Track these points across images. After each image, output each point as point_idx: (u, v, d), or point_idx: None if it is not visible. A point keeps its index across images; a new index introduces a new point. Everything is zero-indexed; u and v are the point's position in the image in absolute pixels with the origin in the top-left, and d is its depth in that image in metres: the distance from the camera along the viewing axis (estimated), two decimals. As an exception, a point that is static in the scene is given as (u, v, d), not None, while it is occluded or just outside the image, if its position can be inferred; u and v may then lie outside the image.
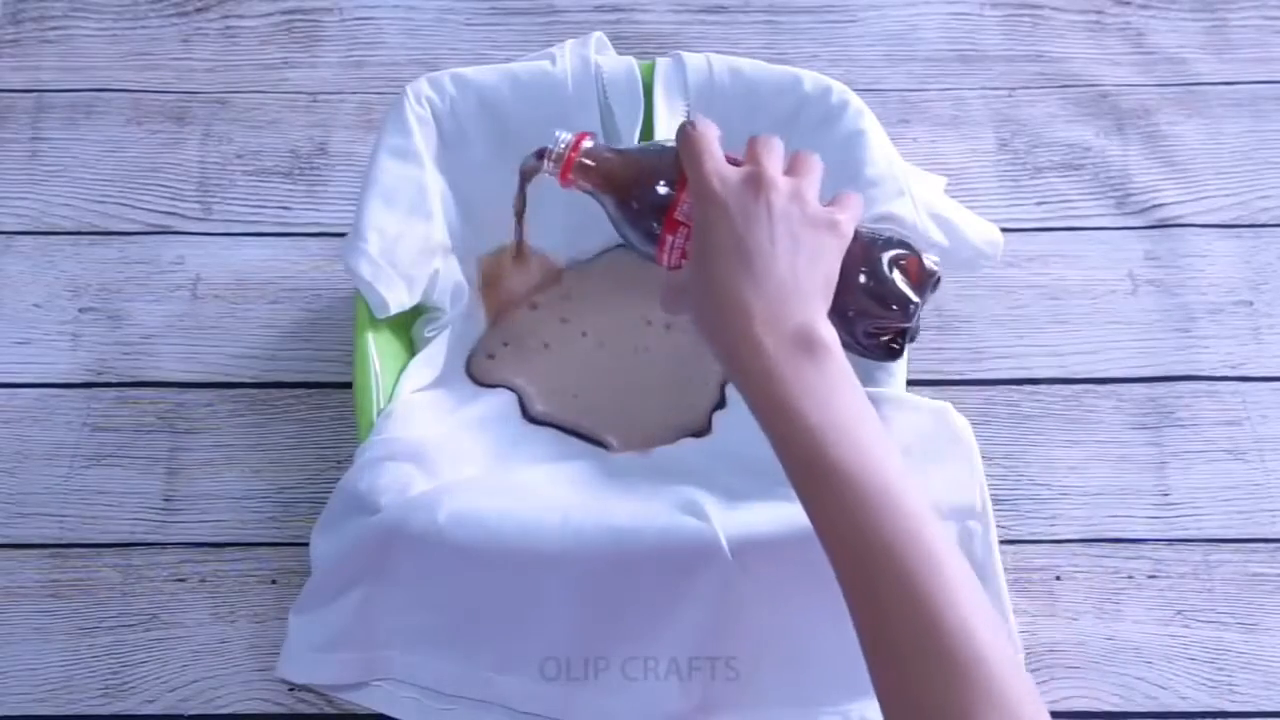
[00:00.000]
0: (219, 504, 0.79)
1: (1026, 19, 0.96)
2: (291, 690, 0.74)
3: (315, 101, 0.93)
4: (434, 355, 0.76)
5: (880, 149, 0.76)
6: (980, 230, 0.79)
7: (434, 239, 0.75)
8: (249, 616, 0.77)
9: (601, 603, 0.68)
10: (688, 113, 0.79)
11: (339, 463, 0.80)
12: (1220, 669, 0.75)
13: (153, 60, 0.95)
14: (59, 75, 0.94)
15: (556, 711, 0.70)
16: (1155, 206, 0.89)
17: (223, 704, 0.74)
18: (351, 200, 0.76)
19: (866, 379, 0.70)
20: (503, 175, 0.74)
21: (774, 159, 0.63)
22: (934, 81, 0.94)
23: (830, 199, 0.63)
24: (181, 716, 0.74)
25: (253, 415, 0.82)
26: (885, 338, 0.65)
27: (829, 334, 0.59)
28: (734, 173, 0.62)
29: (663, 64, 0.79)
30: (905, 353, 0.66)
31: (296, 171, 0.90)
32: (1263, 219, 0.88)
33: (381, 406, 0.72)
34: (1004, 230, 0.81)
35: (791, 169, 0.63)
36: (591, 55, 0.79)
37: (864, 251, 0.64)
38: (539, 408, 0.78)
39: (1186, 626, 0.76)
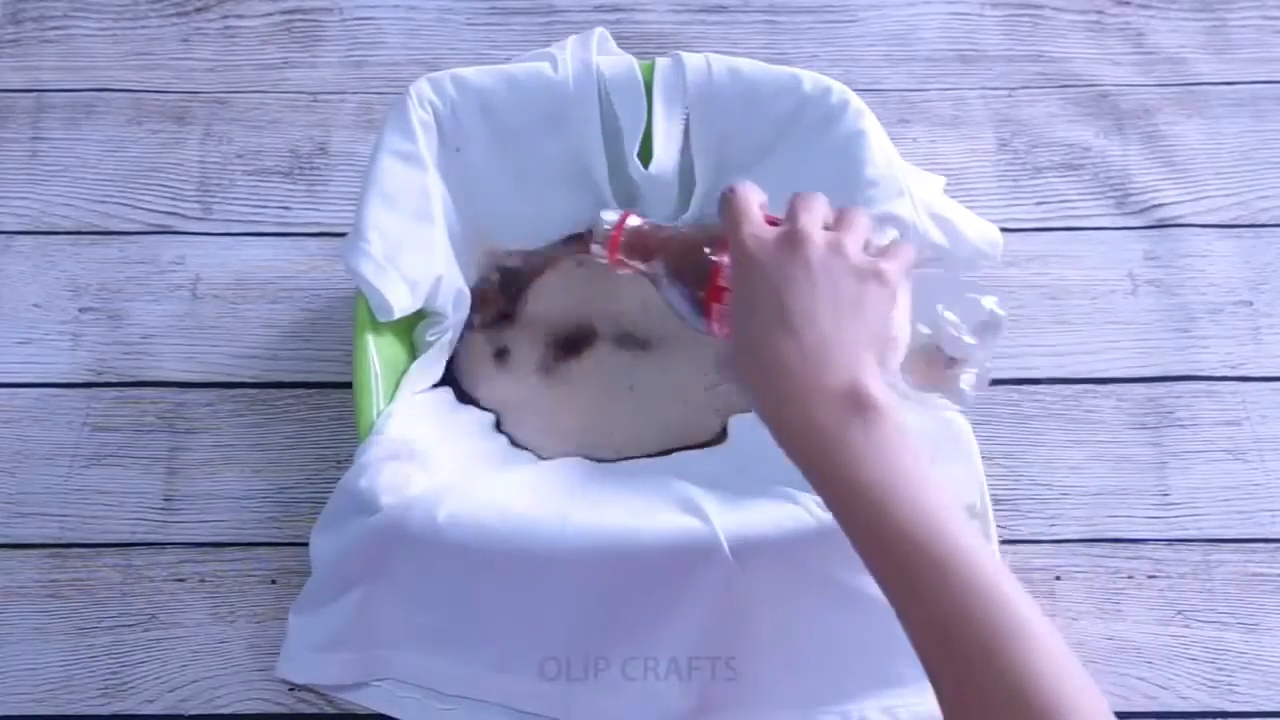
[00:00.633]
0: (219, 504, 0.79)
1: (1026, 19, 0.96)
2: (291, 690, 0.74)
3: (315, 101, 0.93)
4: (435, 359, 0.76)
5: (880, 149, 0.76)
6: (980, 230, 0.79)
7: (437, 244, 0.75)
8: (249, 616, 0.76)
9: (601, 602, 0.68)
10: (685, 116, 0.78)
11: (339, 463, 0.80)
12: (1220, 669, 0.75)
13: (153, 60, 0.95)
14: (59, 75, 0.94)
15: (556, 711, 0.70)
16: (1155, 206, 0.89)
17: (222, 704, 0.74)
18: (352, 200, 0.76)
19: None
20: (503, 177, 0.74)
21: (812, 215, 0.60)
22: (934, 81, 0.94)
23: (879, 249, 0.61)
24: (181, 716, 0.74)
25: (253, 415, 0.82)
26: (949, 381, 0.63)
27: (878, 391, 0.56)
28: (770, 232, 0.60)
29: (662, 64, 0.79)
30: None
31: (296, 171, 0.90)
32: (1263, 219, 0.88)
33: (381, 407, 0.72)
34: (1004, 230, 0.81)
35: (834, 223, 0.61)
36: (593, 57, 0.79)
37: (919, 298, 0.62)
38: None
39: (1187, 626, 0.76)
